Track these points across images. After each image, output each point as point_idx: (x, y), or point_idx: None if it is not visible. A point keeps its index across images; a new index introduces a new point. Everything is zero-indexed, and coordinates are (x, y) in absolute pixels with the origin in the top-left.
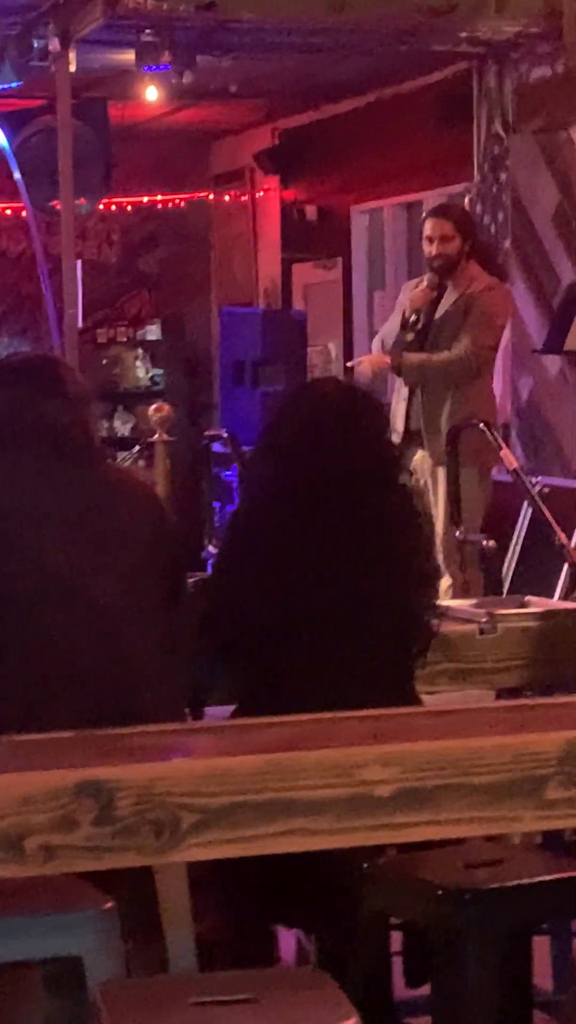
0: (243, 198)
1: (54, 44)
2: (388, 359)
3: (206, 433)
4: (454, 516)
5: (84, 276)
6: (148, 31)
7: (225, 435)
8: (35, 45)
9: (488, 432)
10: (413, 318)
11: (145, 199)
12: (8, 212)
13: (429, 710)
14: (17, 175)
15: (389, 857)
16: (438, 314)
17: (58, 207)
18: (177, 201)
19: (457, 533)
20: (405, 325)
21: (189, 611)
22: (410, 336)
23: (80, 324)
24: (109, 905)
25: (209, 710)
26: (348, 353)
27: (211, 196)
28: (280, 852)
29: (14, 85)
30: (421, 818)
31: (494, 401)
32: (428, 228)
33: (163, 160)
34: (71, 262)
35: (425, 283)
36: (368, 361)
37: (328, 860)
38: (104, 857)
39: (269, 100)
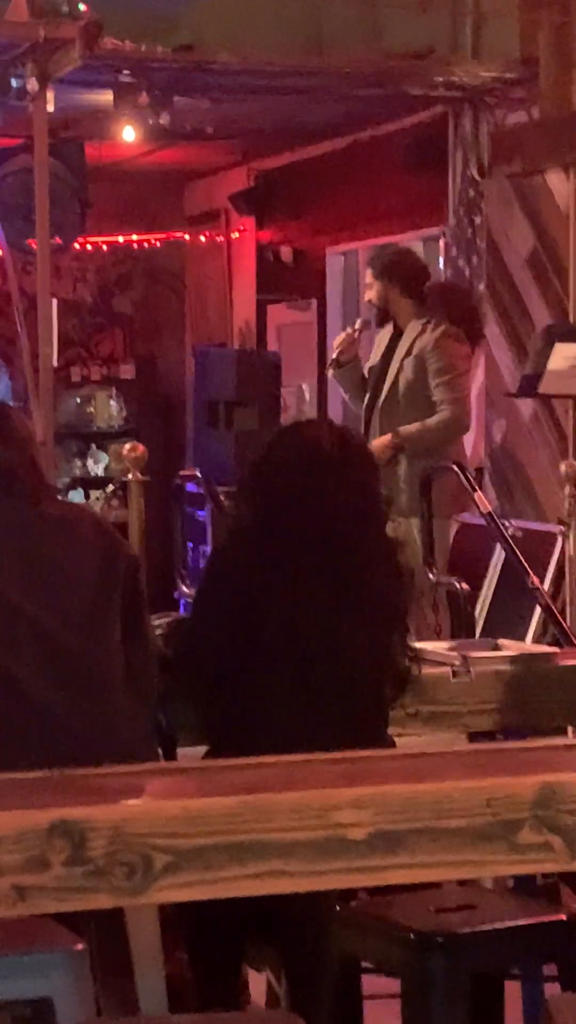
0: (218, 239)
1: (32, 84)
2: (390, 440)
3: (180, 473)
4: (427, 559)
5: (58, 315)
6: (126, 72)
7: (199, 475)
8: (13, 84)
9: (461, 475)
10: (336, 354)
11: (120, 239)
12: None
13: (402, 753)
14: None
15: (361, 900)
16: (396, 360)
17: (34, 246)
18: (152, 241)
19: (430, 575)
20: (336, 364)
21: (150, 645)
22: (330, 372)
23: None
24: (80, 946)
25: (181, 751)
26: (322, 394)
27: (186, 236)
28: (253, 894)
29: None
30: (394, 862)
31: (463, 445)
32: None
33: (138, 200)
34: (46, 301)
35: (358, 326)
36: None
37: (299, 902)
38: (76, 898)
39: (245, 141)
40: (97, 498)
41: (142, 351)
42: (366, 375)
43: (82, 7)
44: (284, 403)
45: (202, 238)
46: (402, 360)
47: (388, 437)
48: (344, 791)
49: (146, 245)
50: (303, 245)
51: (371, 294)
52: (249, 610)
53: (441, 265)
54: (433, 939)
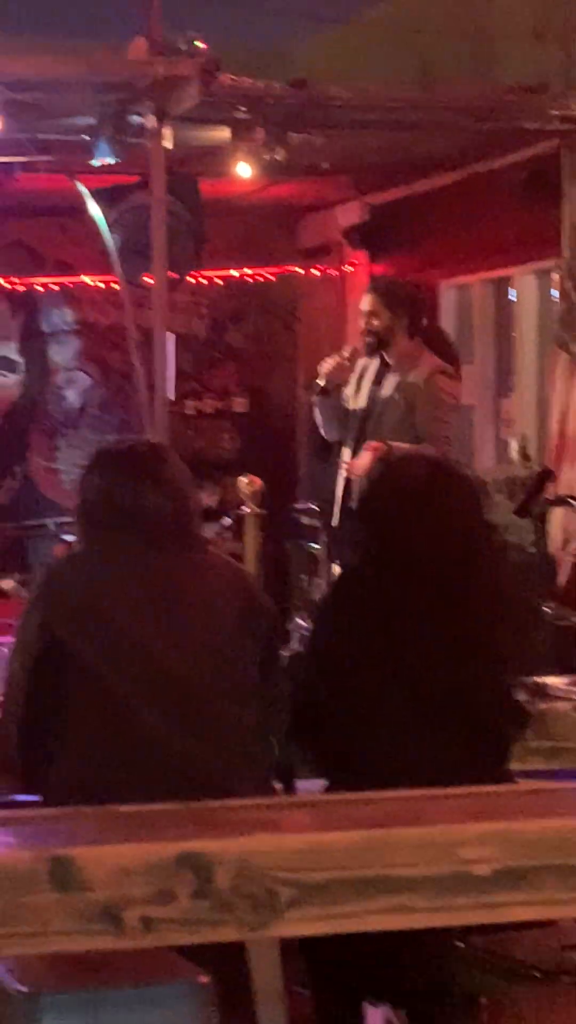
0: (332, 273)
1: (150, 121)
2: (374, 451)
3: (294, 506)
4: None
5: (173, 349)
6: (242, 108)
7: (313, 507)
8: (131, 122)
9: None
10: (323, 383)
11: (234, 273)
12: (100, 285)
13: (526, 788)
14: (111, 249)
15: (482, 936)
16: (381, 396)
17: (149, 281)
18: (266, 275)
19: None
20: (322, 392)
21: (282, 690)
22: (313, 399)
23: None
24: (204, 979)
25: (300, 784)
26: None
27: (300, 270)
28: (377, 929)
29: (110, 162)
30: (519, 898)
31: None
32: (362, 304)
33: (252, 235)
34: (163, 335)
35: (346, 354)
36: (361, 465)
37: (421, 937)
38: (202, 931)
39: (359, 176)
40: (212, 531)
41: (255, 384)
42: (345, 405)
43: (199, 45)
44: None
45: (315, 272)
46: (392, 394)
47: (372, 450)
48: (469, 827)
49: (260, 279)
50: (416, 278)
51: (374, 322)
52: (367, 649)
53: (556, 298)
54: (559, 977)
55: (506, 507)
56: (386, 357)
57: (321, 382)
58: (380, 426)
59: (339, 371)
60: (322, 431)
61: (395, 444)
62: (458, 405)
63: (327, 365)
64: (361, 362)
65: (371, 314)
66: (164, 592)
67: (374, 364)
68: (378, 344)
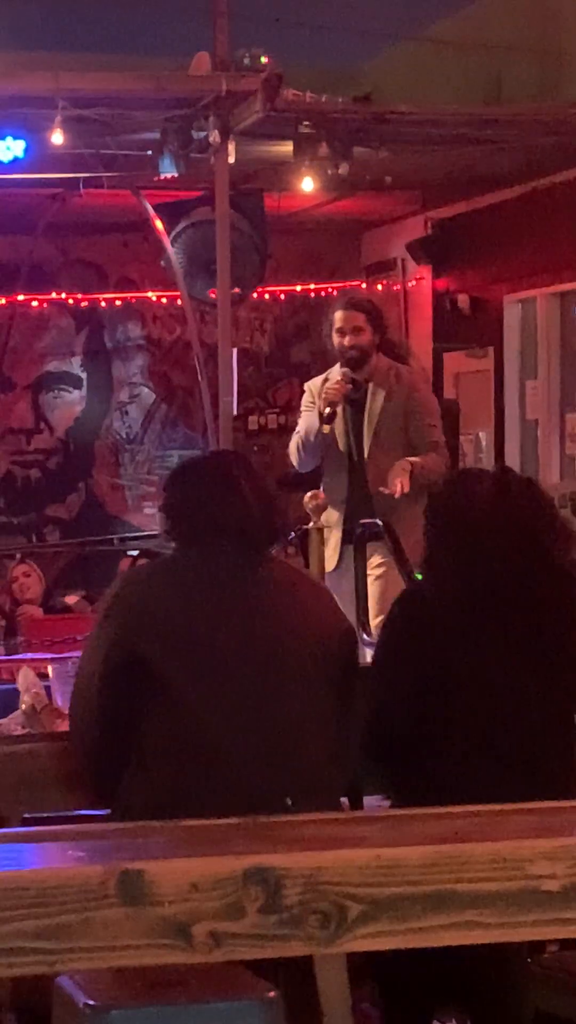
0: (395, 287)
1: (214, 136)
2: (405, 469)
3: (361, 521)
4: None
5: (237, 364)
6: (306, 123)
7: (380, 523)
8: (195, 137)
9: None
10: (328, 411)
11: (298, 288)
12: (163, 301)
13: None
14: (175, 265)
15: (552, 953)
16: (369, 413)
17: (214, 296)
18: (329, 290)
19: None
20: (323, 418)
21: (358, 713)
22: (327, 429)
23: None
24: (273, 994)
25: (367, 799)
26: (499, 442)
27: (363, 285)
28: (447, 944)
29: (174, 176)
30: None
31: None
32: (339, 320)
33: (316, 250)
34: (227, 351)
35: (339, 376)
36: (400, 483)
37: (491, 954)
38: (271, 945)
39: (422, 191)
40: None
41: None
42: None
43: (264, 59)
44: (462, 451)
45: (379, 287)
46: (382, 408)
47: (405, 466)
48: (539, 842)
49: (323, 294)
50: (480, 293)
51: (361, 339)
52: (434, 666)
53: None
54: None
55: (572, 522)
56: (364, 372)
57: (327, 409)
58: (379, 439)
59: (340, 391)
60: (296, 460)
61: (414, 460)
62: (438, 409)
63: (330, 392)
64: (318, 384)
65: (357, 330)
66: (250, 610)
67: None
68: (362, 360)
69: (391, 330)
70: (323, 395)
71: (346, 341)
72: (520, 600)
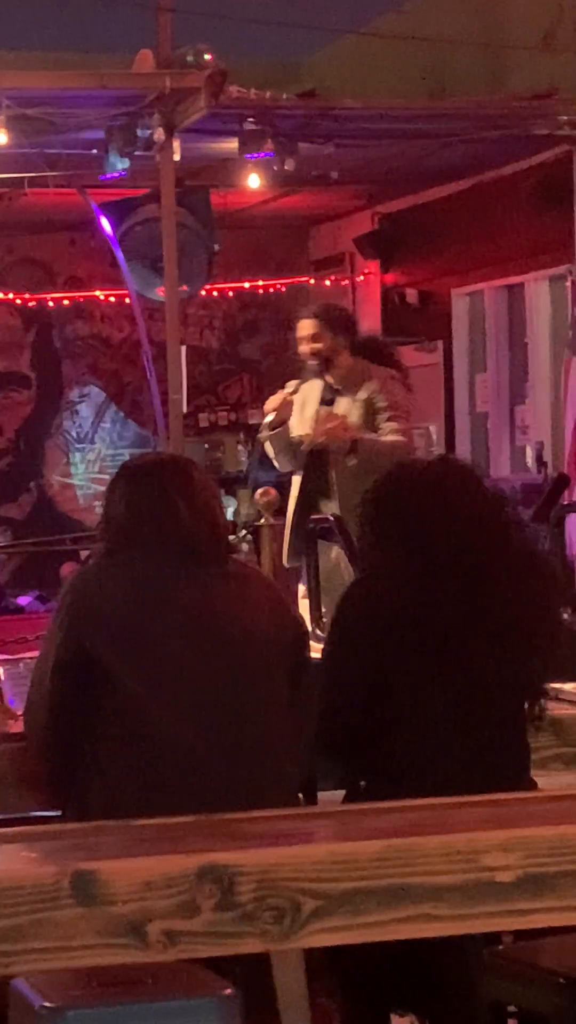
0: (344, 282)
1: (159, 134)
2: (351, 433)
3: (312, 516)
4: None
5: (187, 362)
6: (251, 120)
7: (331, 518)
8: (140, 135)
9: None
10: (271, 418)
11: (246, 285)
12: (112, 299)
13: (548, 795)
14: (122, 263)
15: (507, 944)
16: (341, 408)
17: (162, 294)
18: (278, 287)
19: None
20: (272, 427)
21: (312, 706)
22: (264, 434)
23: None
24: (230, 991)
25: (321, 795)
26: (450, 435)
27: (311, 281)
28: (401, 938)
29: (119, 175)
30: (543, 904)
31: None
32: (297, 330)
33: (264, 246)
34: (176, 348)
35: (290, 390)
36: (329, 433)
37: (446, 946)
38: (225, 943)
39: (369, 186)
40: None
41: (268, 396)
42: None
43: (207, 56)
44: (412, 445)
45: (327, 282)
46: (350, 407)
47: (351, 431)
48: (492, 834)
49: (271, 291)
50: (428, 287)
51: (318, 345)
52: (388, 659)
53: (570, 304)
54: None
55: (523, 514)
56: (330, 379)
57: (269, 419)
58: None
59: (286, 407)
60: (276, 464)
61: (354, 422)
62: (410, 410)
63: (273, 402)
64: (304, 388)
65: (314, 337)
66: (200, 608)
67: (316, 390)
68: (324, 365)
69: (360, 330)
70: (267, 404)
71: (305, 349)
72: (471, 584)
